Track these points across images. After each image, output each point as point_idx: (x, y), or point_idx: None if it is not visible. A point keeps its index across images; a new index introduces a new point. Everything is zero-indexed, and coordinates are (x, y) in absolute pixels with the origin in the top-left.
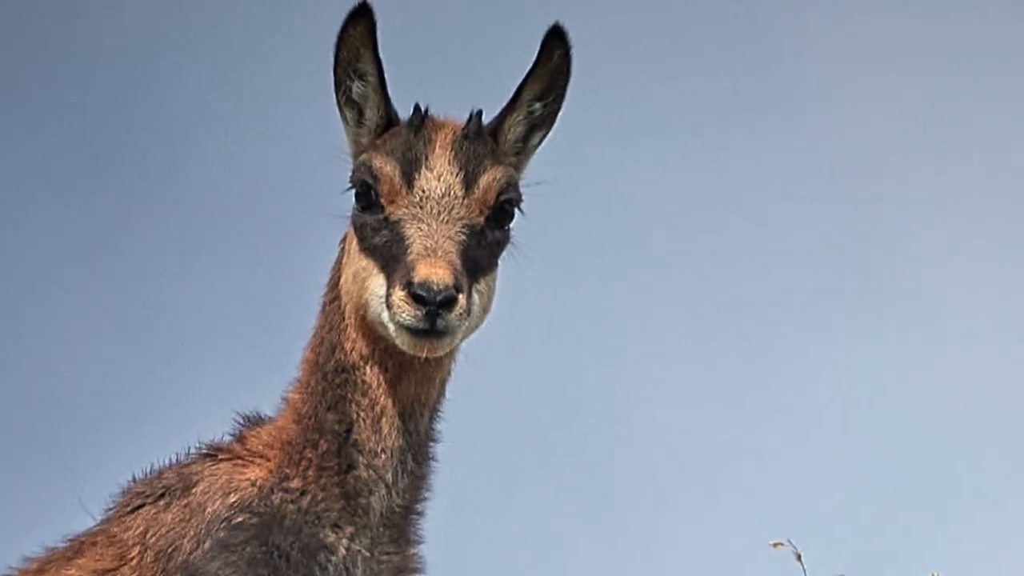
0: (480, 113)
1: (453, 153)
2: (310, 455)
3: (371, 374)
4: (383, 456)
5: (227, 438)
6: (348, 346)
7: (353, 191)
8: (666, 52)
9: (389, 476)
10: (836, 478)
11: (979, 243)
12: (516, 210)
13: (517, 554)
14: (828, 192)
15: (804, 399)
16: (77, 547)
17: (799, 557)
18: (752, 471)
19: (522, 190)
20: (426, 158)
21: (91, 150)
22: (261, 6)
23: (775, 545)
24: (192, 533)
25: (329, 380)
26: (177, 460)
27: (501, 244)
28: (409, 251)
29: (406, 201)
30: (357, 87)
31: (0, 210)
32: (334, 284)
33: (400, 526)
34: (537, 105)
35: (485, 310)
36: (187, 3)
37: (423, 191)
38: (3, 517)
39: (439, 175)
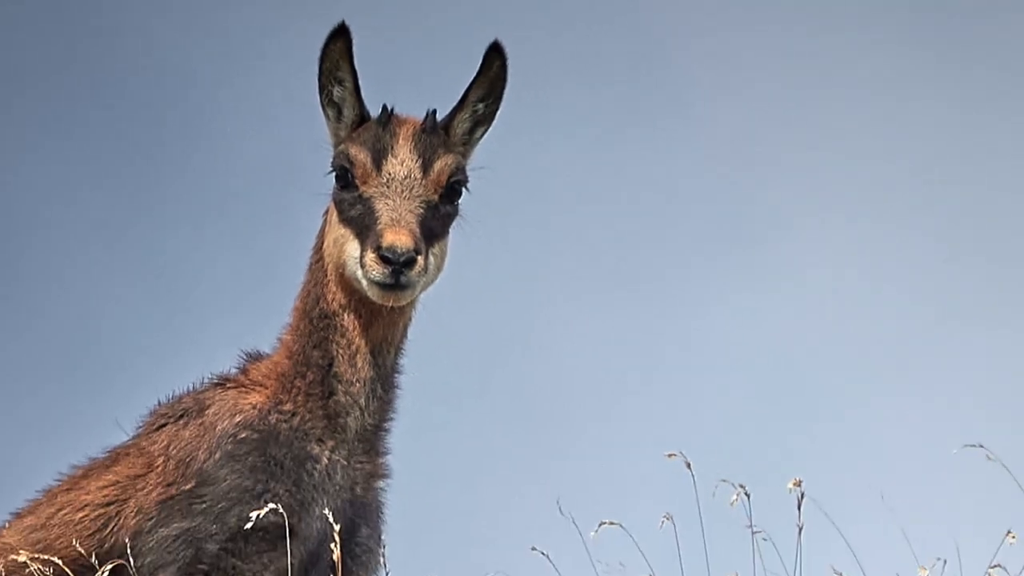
0: (434, 112)
1: (413, 143)
2: (299, 384)
3: (348, 319)
4: (358, 385)
5: (233, 370)
6: (330, 297)
7: (334, 174)
8: (581, 63)
9: (363, 401)
10: (721, 402)
11: (834, 214)
12: (464, 189)
13: (458, 460)
14: (712, 174)
15: (695, 338)
16: (114, 457)
17: (688, 465)
18: (652, 396)
19: (468, 173)
20: (392, 147)
21: (127, 136)
22: (262, 24)
23: (669, 456)
24: (205, 446)
25: (314, 324)
26: (193, 388)
27: (451, 216)
28: (378, 222)
29: (376, 182)
30: (337, 91)
31: (53, 185)
32: (318, 248)
33: (371, 440)
34: (480, 105)
35: (439, 268)
36: (200, 21)
37: (389, 174)
38: (55, 434)
39: (402, 161)
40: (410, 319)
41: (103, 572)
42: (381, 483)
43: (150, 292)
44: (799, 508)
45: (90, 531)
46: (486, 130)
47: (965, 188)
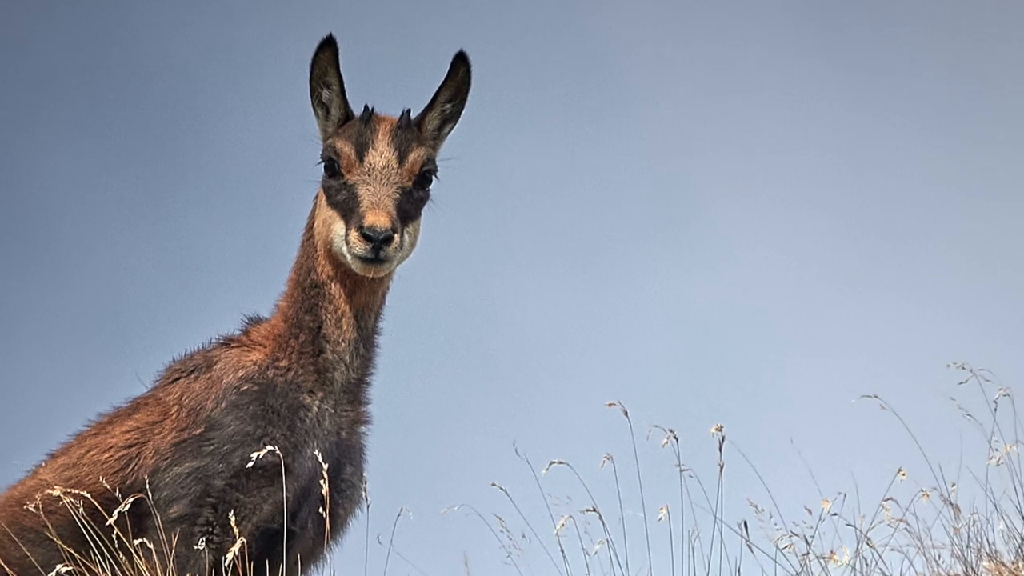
0: (409, 111)
1: (390, 138)
2: (293, 343)
3: (335, 288)
4: (343, 344)
5: (237, 332)
6: (319, 269)
7: (323, 164)
8: (536, 69)
9: (347, 358)
10: (654, 358)
11: (749, 198)
12: (434, 177)
13: (429, 408)
14: (648, 164)
15: (633, 304)
16: (135, 406)
17: (626, 413)
18: (596, 354)
19: (438, 163)
20: (372, 142)
21: (148, 132)
22: (261, 37)
23: (609, 405)
24: (213, 396)
25: (306, 292)
26: (203, 347)
27: (423, 200)
28: (361, 205)
29: (359, 171)
30: (325, 93)
31: (85, 174)
32: (309, 227)
33: (354, 392)
34: (448, 105)
35: (413, 245)
36: (209, 36)
37: (370, 164)
38: (83, 386)
39: (381, 153)
40: (388, 288)
41: (126, 505)
42: (363, 428)
43: (166, 265)
44: (720, 450)
45: (114, 469)
46: (453, 126)
47: (858, 175)
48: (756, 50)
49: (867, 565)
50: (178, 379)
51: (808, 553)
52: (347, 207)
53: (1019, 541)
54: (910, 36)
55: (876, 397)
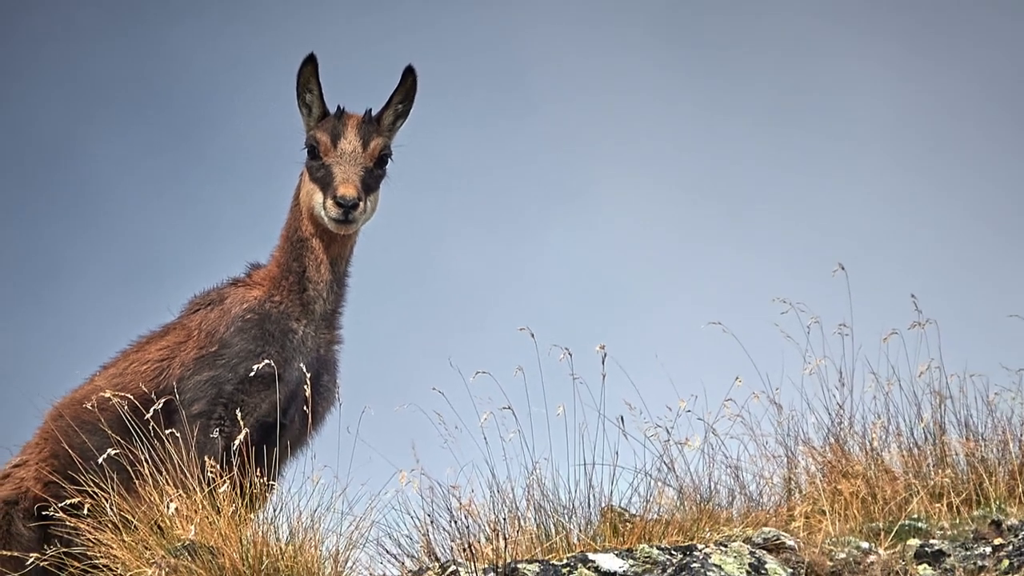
0: (371, 110)
1: (357, 130)
2: (284, 284)
3: (315, 242)
4: (321, 284)
5: (242, 275)
6: (303, 228)
7: (306, 150)
8: (466, 76)
9: (324, 294)
10: (555, 295)
11: (627, 177)
12: (389, 159)
13: (385, 331)
14: (553, 149)
15: (540, 253)
16: (165, 331)
17: (532, 335)
18: (511, 291)
19: (392, 149)
20: (343, 133)
21: (174, 124)
22: (261, 52)
23: (520, 329)
24: (225, 323)
25: (294, 245)
26: (216, 286)
27: (381, 177)
28: (335, 180)
29: (333, 155)
30: (308, 96)
31: (126, 155)
32: (296, 197)
33: (330, 319)
34: (400, 106)
35: (374, 210)
36: (220, 51)
37: (342, 149)
38: (126, 316)
39: (350, 141)
40: (355, 242)
41: (159, 404)
42: (336, 347)
43: (189, 225)
44: (603, 363)
45: (150, 377)
46: (404, 121)
47: (706, 157)
48: (632, 64)
49: (713, 449)
50: (198, 310)
51: (668, 440)
52: (324, 182)
53: (826, 431)
54: (743, 55)
55: (719, 324)
